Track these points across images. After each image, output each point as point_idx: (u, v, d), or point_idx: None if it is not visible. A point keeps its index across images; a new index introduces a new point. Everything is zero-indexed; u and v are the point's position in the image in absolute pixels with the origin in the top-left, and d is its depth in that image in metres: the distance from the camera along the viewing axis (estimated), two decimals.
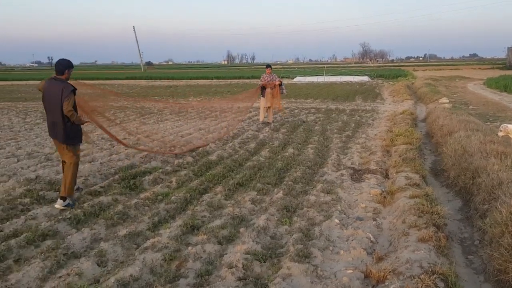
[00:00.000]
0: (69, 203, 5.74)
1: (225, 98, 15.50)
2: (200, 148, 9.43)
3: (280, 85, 13.05)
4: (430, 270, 3.56)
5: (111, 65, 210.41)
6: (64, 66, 5.84)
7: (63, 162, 5.97)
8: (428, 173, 7.48)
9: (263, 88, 12.92)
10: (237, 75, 52.39)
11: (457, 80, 36.92)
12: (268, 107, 13.07)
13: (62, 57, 6.00)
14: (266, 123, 13.12)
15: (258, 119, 13.79)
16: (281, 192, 6.26)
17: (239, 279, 3.81)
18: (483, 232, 4.71)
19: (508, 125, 8.17)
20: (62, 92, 5.57)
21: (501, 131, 8.13)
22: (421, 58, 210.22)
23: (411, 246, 4.10)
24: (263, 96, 12.96)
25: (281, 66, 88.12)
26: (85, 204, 5.74)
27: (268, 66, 13.43)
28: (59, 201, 5.71)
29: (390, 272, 3.70)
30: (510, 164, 6.14)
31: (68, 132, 5.76)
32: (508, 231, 4.09)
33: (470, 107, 16.84)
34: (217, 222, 5.12)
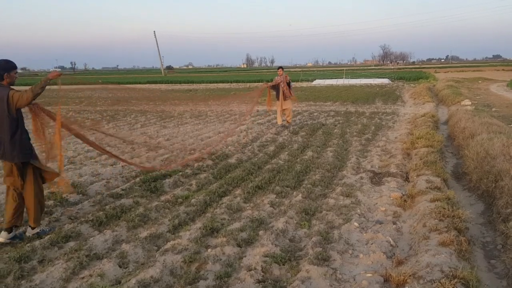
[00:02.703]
0: (43, 230, 5.09)
1: (232, 96, 15.38)
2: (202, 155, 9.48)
3: (289, 84, 12.99)
4: (451, 274, 3.51)
5: (132, 70, 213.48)
6: (0, 69, 4.66)
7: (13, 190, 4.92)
8: (449, 176, 7.37)
9: (277, 90, 12.85)
10: (256, 78, 52.40)
11: (479, 81, 36.26)
12: (285, 108, 13.07)
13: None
14: (285, 126, 13.14)
15: (276, 122, 13.75)
16: (300, 195, 6.27)
17: (258, 281, 3.83)
18: (506, 236, 4.63)
19: None
20: (6, 99, 4.57)
21: None
22: (442, 60, 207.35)
23: (431, 250, 4.05)
24: (278, 99, 12.93)
25: (300, 69, 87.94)
26: (107, 207, 5.84)
27: (280, 67, 13.43)
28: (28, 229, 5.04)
29: (410, 276, 3.67)
30: None
31: (22, 146, 4.78)
32: None
33: (493, 109, 16.52)
34: (236, 224, 5.16)
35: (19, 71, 5.15)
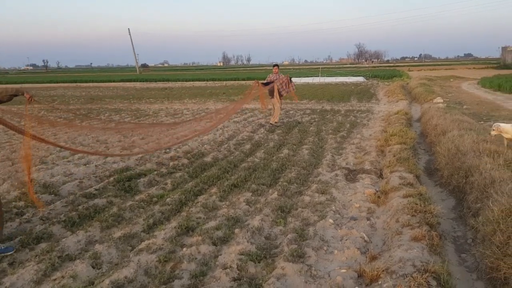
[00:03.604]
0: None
1: (223, 109, 14.74)
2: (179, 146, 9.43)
3: (290, 80, 12.98)
4: (423, 268, 3.58)
5: (106, 68, 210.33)
6: None
7: None
8: (422, 173, 7.51)
9: (271, 88, 12.67)
10: (232, 76, 52.37)
11: (451, 80, 37.05)
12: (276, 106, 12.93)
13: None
14: (271, 124, 12.99)
15: (274, 121, 13.19)
16: (276, 192, 6.29)
17: (234, 279, 3.83)
18: (476, 231, 4.75)
19: (501, 124, 8.23)
20: None
21: (493, 130, 8.19)
22: (416, 58, 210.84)
23: (404, 245, 4.13)
24: (273, 96, 12.80)
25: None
26: (80, 207, 5.74)
27: (276, 65, 13.28)
28: None
29: (383, 271, 3.73)
30: (503, 162, 6.19)
31: None
32: (499, 229, 4.12)
33: (464, 106, 16.91)
34: (212, 223, 5.14)
35: None
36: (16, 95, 4.30)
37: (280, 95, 12.85)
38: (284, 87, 12.88)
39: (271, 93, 12.85)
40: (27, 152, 4.70)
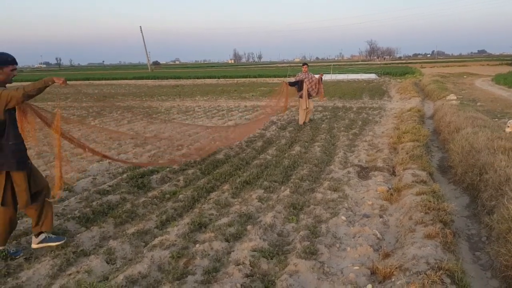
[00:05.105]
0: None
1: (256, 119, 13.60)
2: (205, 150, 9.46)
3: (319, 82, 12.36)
4: (437, 266, 3.56)
5: (118, 65, 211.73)
6: None
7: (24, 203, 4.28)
8: (435, 170, 7.46)
9: (299, 88, 12.24)
10: (244, 74, 52.38)
11: (465, 76, 36.66)
12: (307, 108, 12.46)
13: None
14: (304, 123, 12.64)
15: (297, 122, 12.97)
16: (288, 190, 6.29)
17: (246, 275, 3.85)
18: (490, 229, 4.71)
19: None
20: None
21: (508, 127, 8.13)
22: (428, 55, 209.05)
23: (417, 243, 4.10)
24: (301, 97, 12.26)
25: (287, 65, 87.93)
26: (94, 203, 5.80)
27: (305, 63, 12.59)
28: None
29: (396, 268, 3.71)
30: None
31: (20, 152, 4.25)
32: None
33: (478, 103, 16.73)
34: (224, 220, 5.16)
35: None
36: (46, 86, 4.13)
37: (309, 96, 12.27)
38: (314, 87, 12.27)
39: (300, 91, 12.26)
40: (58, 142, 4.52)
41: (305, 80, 12.15)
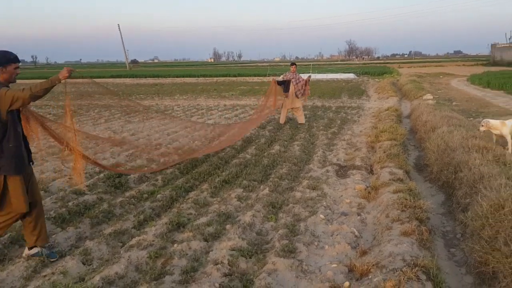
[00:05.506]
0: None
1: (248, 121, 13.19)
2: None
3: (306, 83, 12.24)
4: (412, 263, 3.61)
5: (96, 64, 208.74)
6: None
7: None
8: (411, 168, 7.57)
9: (286, 87, 12.13)
10: (223, 73, 52.20)
11: (441, 76, 37.30)
12: (296, 107, 12.36)
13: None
14: (300, 124, 12.43)
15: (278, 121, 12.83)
16: (267, 188, 6.30)
17: (225, 275, 3.83)
18: (465, 226, 4.80)
19: (490, 120, 8.33)
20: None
21: (482, 126, 8.29)
22: (406, 55, 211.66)
23: (394, 240, 4.16)
24: (287, 96, 12.15)
25: (267, 64, 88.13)
26: (70, 203, 5.70)
27: (293, 63, 12.51)
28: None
29: (373, 265, 3.76)
30: (491, 158, 6.25)
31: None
32: (488, 224, 4.17)
33: (454, 103, 17.05)
34: (203, 219, 5.14)
35: None
36: (53, 86, 3.96)
37: (295, 96, 12.18)
38: (300, 88, 12.18)
39: (286, 92, 12.15)
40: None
41: (292, 81, 12.07)
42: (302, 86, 12.19)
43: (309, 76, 12.73)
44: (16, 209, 4.05)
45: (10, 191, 4.00)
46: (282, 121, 12.68)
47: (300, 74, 12.61)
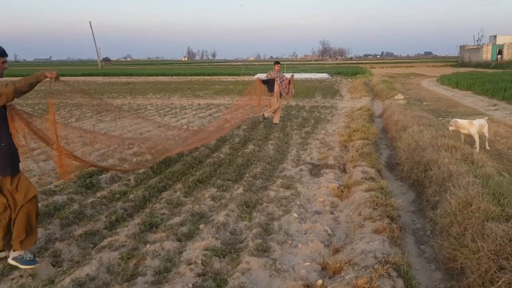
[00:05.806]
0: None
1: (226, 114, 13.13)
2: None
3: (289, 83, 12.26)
4: (384, 260, 3.68)
5: (66, 61, 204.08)
6: None
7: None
8: (383, 167, 7.70)
9: (271, 86, 12.09)
10: (197, 72, 51.87)
11: (412, 77, 38.02)
12: (278, 107, 12.32)
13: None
14: (273, 123, 12.41)
15: (263, 115, 12.84)
16: (241, 188, 6.29)
17: (198, 275, 3.82)
18: (434, 223, 4.91)
19: (458, 120, 8.55)
20: None
21: (451, 125, 8.51)
22: (378, 56, 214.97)
23: (366, 238, 4.22)
24: (272, 95, 12.09)
25: (242, 63, 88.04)
26: (39, 204, 5.54)
27: (277, 62, 12.61)
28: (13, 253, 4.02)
29: (346, 263, 3.81)
30: (460, 157, 6.42)
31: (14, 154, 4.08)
32: (456, 221, 4.28)
33: (424, 103, 17.41)
34: (176, 219, 5.10)
35: None
36: (38, 82, 3.87)
37: (280, 95, 12.17)
38: (285, 87, 12.20)
39: (271, 91, 12.12)
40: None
41: (277, 79, 12.07)
42: (286, 85, 12.23)
43: (292, 75, 12.80)
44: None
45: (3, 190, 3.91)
46: (267, 114, 12.61)
47: (283, 73, 12.63)
